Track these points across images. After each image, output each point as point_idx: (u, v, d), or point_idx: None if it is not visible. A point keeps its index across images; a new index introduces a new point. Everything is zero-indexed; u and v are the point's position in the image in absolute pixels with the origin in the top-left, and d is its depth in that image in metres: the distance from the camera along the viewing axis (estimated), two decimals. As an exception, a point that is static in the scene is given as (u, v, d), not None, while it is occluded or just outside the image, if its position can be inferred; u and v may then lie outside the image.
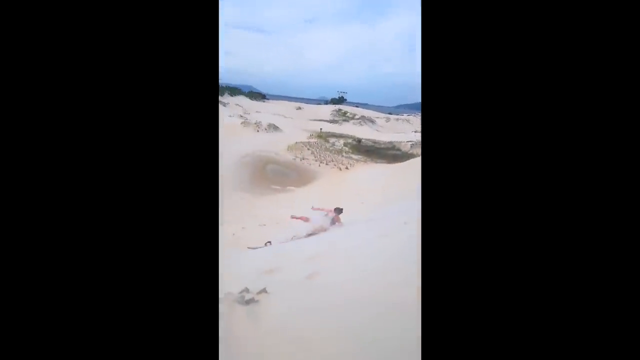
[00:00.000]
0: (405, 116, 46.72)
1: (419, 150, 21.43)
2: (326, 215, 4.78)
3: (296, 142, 21.68)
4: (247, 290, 1.74)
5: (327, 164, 17.79)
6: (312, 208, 5.28)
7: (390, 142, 26.05)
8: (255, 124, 25.75)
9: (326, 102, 53.83)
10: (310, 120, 36.69)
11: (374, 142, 26.39)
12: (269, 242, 4.88)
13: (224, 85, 48.08)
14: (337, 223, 4.76)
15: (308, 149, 20.28)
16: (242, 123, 25.69)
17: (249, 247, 4.76)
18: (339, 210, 4.85)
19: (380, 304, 1.49)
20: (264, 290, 1.73)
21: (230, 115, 28.97)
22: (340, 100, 53.11)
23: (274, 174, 16.39)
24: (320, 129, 30.06)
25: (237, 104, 40.19)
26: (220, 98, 41.42)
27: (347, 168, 17.01)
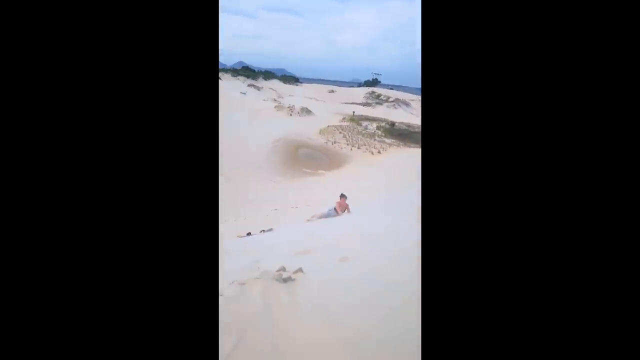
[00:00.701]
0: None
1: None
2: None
3: (328, 126, 21.63)
4: (284, 269, 1.85)
5: (358, 148, 17.65)
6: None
7: (426, 126, 25.16)
8: (289, 107, 25.95)
9: (359, 85, 52.72)
10: (343, 103, 36.21)
11: (408, 125, 25.65)
12: (249, 233, 5.07)
13: (257, 70, 48.66)
14: (345, 210, 5.01)
15: (340, 133, 20.20)
16: (275, 107, 26.01)
17: (238, 236, 4.88)
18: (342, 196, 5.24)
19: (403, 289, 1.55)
20: (300, 270, 1.84)
21: (265, 99, 29.40)
22: (374, 83, 51.70)
23: (307, 158, 16.58)
24: (353, 112, 29.63)
25: (270, 88, 40.51)
26: (254, 82, 41.93)
27: (379, 152, 16.79)
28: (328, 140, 18.90)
